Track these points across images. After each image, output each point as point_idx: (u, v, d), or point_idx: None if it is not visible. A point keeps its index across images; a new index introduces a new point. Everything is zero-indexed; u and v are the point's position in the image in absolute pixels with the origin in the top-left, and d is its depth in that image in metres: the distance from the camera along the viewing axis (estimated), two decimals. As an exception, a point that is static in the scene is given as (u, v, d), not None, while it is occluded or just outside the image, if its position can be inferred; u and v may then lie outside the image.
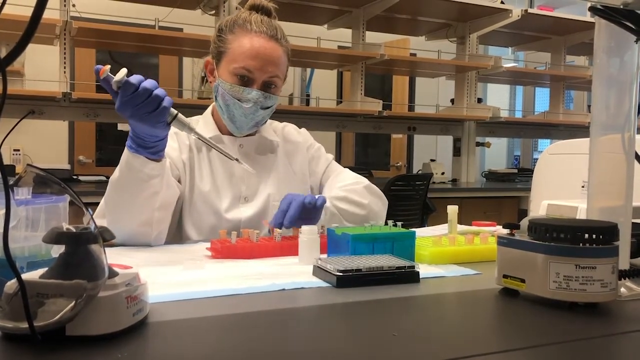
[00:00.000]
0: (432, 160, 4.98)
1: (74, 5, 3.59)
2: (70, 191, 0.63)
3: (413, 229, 1.09)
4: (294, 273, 0.94)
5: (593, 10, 0.80)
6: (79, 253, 0.59)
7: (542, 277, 0.74)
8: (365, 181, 1.50)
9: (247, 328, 0.67)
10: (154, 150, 1.18)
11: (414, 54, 5.51)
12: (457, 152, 5.02)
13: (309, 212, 1.23)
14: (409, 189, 3.74)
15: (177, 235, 1.39)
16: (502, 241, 0.82)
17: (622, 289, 0.80)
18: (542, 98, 7.06)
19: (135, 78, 1.08)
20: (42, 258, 0.73)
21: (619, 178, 0.82)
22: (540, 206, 1.18)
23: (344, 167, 1.61)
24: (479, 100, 5.16)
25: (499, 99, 7.20)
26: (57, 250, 0.61)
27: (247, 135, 1.46)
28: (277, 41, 1.39)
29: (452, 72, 4.96)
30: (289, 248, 1.11)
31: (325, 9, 4.28)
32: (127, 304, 0.61)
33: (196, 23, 3.82)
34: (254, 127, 1.43)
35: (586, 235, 0.73)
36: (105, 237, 0.61)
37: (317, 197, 1.26)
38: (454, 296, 0.88)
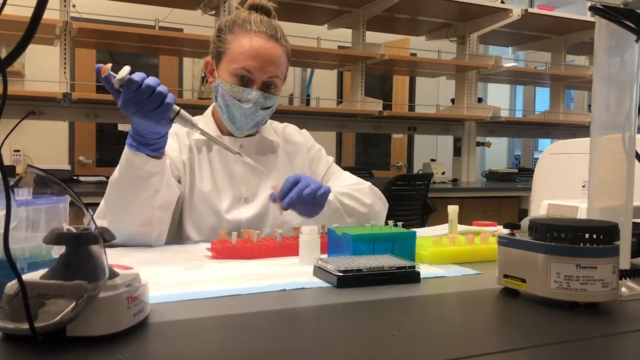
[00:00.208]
0: (433, 160, 4.98)
1: (74, 6, 3.59)
2: (71, 192, 0.63)
3: (413, 229, 1.09)
4: (294, 273, 0.94)
5: (593, 9, 0.80)
6: (80, 254, 0.59)
7: (543, 277, 0.74)
8: (367, 183, 1.50)
9: (248, 328, 0.67)
10: (155, 147, 1.19)
11: (414, 54, 5.51)
12: (457, 152, 5.02)
13: (308, 201, 1.22)
14: (409, 188, 3.74)
15: (177, 235, 1.39)
16: (502, 241, 0.82)
17: (623, 289, 0.80)
18: (542, 98, 7.06)
19: (137, 75, 1.09)
20: (42, 259, 0.73)
21: (619, 178, 0.82)
22: (540, 206, 1.17)
23: (345, 167, 1.61)
24: (480, 100, 5.16)
25: (499, 98, 7.20)
26: (57, 251, 0.61)
27: (247, 136, 1.46)
28: (277, 41, 1.39)
29: (452, 71, 4.96)
30: (290, 248, 1.11)
31: (325, 9, 4.28)
32: (128, 305, 0.61)
33: (196, 23, 3.82)
34: (254, 127, 1.43)
35: (587, 235, 0.73)
36: (105, 238, 0.61)
37: (321, 187, 1.26)
38: (455, 296, 0.88)
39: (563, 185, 1.43)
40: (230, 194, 1.42)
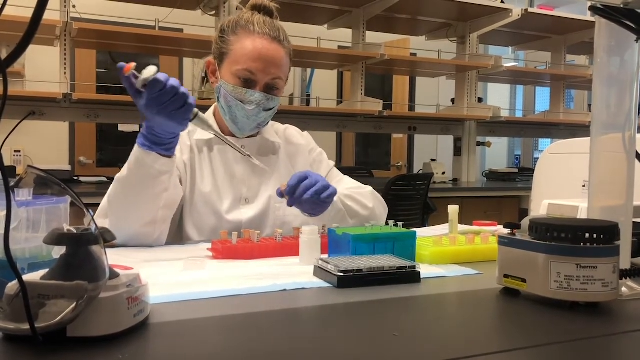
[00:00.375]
0: (433, 160, 4.98)
1: (74, 6, 3.59)
2: (71, 192, 0.63)
3: (414, 229, 1.09)
4: (295, 273, 0.94)
5: (593, 9, 0.80)
6: (80, 254, 0.59)
7: (543, 276, 0.74)
8: (368, 187, 1.51)
9: (248, 328, 0.67)
10: (168, 147, 1.20)
11: (414, 54, 5.51)
12: (457, 151, 5.02)
13: (315, 198, 1.22)
14: (409, 188, 3.74)
15: (177, 235, 1.39)
16: (503, 241, 0.82)
17: (623, 289, 0.80)
18: (542, 97, 7.05)
19: (162, 75, 1.10)
20: (43, 259, 0.73)
21: (619, 177, 0.82)
22: (541, 206, 1.17)
23: (345, 167, 1.62)
24: (480, 100, 5.16)
25: (499, 98, 7.20)
26: (58, 252, 0.61)
27: (249, 137, 1.46)
28: (280, 43, 1.39)
29: (452, 71, 4.96)
30: (290, 248, 1.11)
31: (325, 9, 4.28)
32: (128, 305, 0.61)
33: (196, 24, 3.82)
34: (255, 128, 1.43)
35: (587, 235, 0.73)
36: (106, 238, 0.61)
37: (330, 185, 1.25)
38: (455, 296, 0.88)
39: (563, 185, 1.43)
40: (231, 194, 1.42)
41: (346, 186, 1.50)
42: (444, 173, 4.73)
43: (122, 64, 1.09)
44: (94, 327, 0.57)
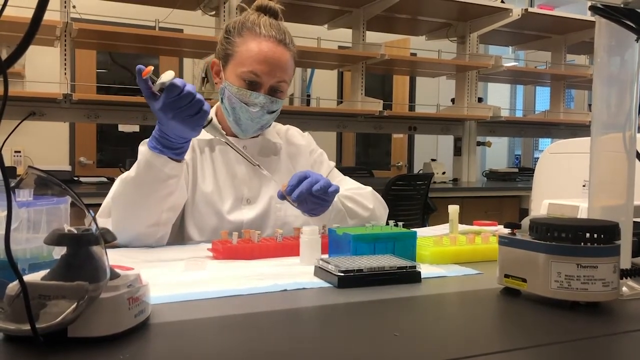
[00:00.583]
0: (433, 160, 4.97)
1: (74, 7, 3.59)
2: (72, 192, 0.63)
3: (414, 229, 1.09)
4: (295, 273, 0.94)
5: (593, 9, 0.80)
6: (81, 254, 0.59)
7: (544, 276, 0.74)
8: (369, 188, 1.51)
9: (249, 328, 0.67)
10: (179, 151, 1.21)
11: (414, 54, 5.51)
12: (457, 151, 5.01)
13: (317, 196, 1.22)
14: (409, 188, 3.74)
15: (179, 235, 1.39)
16: (503, 241, 0.82)
17: (624, 288, 0.80)
18: (542, 97, 7.05)
19: (179, 81, 1.10)
20: (43, 260, 0.73)
21: (620, 177, 0.82)
22: (541, 205, 1.17)
23: (345, 167, 1.62)
24: (480, 100, 5.16)
25: (499, 98, 7.20)
26: (58, 252, 0.61)
27: (250, 137, 1.46)
28: (286, 46, 1.39)
29: (452, 71, 4.95)
30: (290, 248, 1.11)
31: (325, 9, 4.28)
32: (129, 305, 0.61)
33: (196, 24, 3.82)
34: (258, 130, 1.44)
35: (587, 235, 0.73)
36: (106, 239, 0.61)
37: (331, 184, 1.25)
38: (456, 296, 0.88)
39: (563, 184, 1.43)
40: (232, 195, 1.42)
41: (346, 187, 1.50)
42: (444, 173, 4.73)
43: (140, 66, 1.10)
44: (95, 328, 0.57)
